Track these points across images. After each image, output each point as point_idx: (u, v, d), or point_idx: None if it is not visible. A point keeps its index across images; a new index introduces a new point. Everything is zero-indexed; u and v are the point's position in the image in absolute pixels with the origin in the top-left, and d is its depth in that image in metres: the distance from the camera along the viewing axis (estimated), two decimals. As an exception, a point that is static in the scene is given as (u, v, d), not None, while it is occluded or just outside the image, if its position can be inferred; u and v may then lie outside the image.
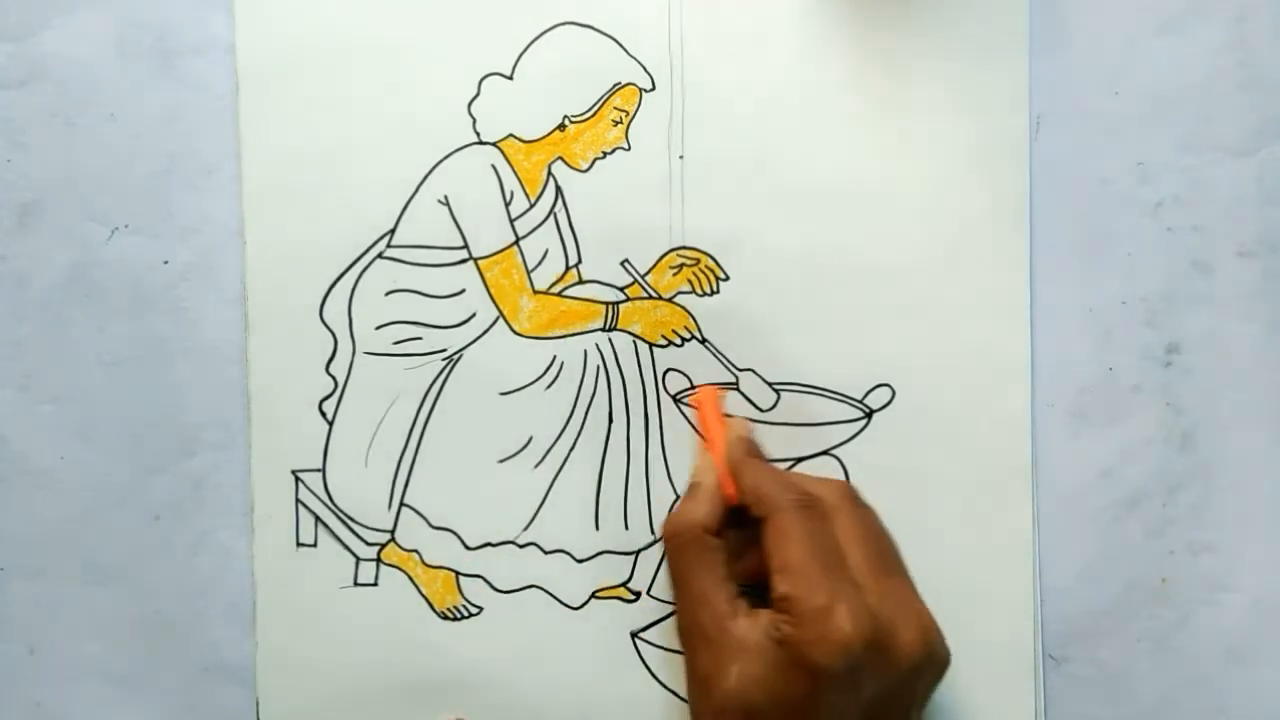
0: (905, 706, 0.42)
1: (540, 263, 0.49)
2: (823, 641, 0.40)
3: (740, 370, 0.49)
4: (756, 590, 0.43)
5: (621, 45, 0.48)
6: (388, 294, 0.49)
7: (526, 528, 0.49)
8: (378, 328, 0.49)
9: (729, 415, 0.48)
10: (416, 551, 0.49)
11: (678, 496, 0.49)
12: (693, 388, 0.48)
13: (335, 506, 0.49)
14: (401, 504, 0.49)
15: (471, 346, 0.49)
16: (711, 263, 0.48)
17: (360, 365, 0.49)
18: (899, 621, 0.41)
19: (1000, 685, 0.48)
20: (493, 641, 0.49)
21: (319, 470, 0.49)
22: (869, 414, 0.48)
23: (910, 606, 0.42)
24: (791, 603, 0.41)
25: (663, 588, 0.49)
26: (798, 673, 0.40)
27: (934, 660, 0.42)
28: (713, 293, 0.49)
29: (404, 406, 0.49)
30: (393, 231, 0.49)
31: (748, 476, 0.45)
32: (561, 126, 0.49)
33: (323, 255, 0.49)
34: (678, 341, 0.49)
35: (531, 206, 0.49)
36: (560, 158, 0.49)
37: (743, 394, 0.48)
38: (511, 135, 0.49)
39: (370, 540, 0.49)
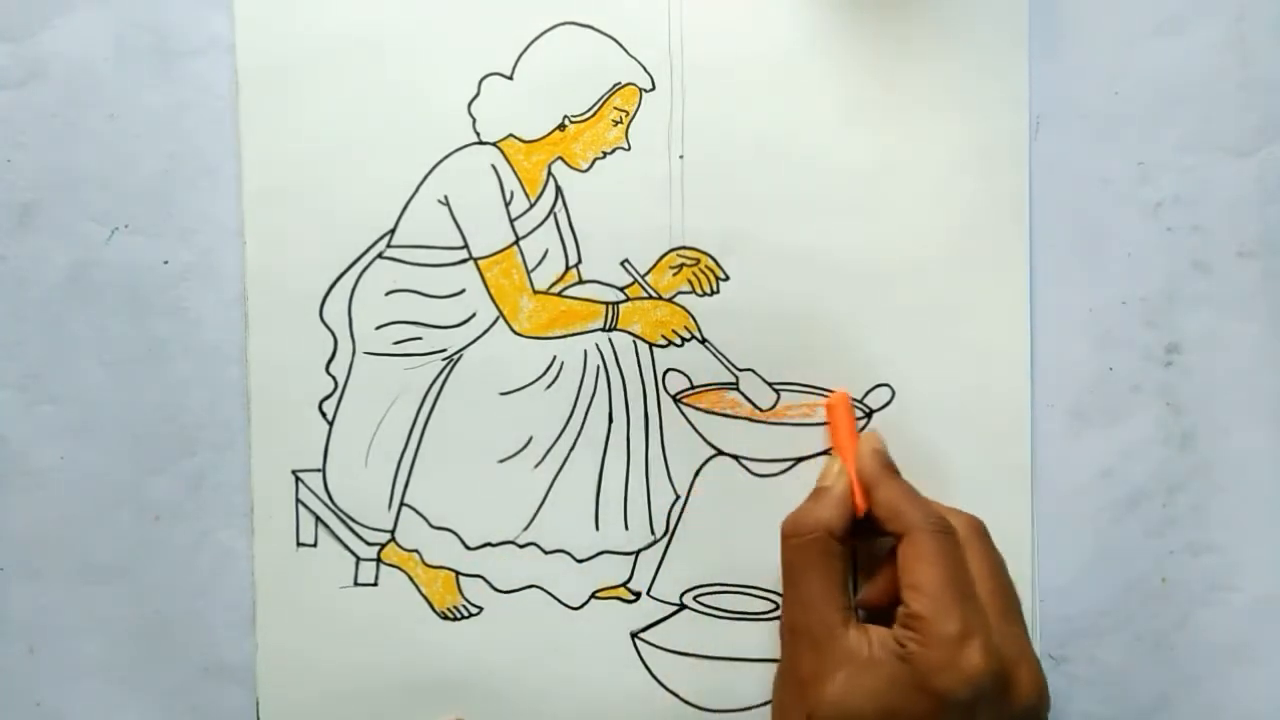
0: None
1: (540, 263, 0.49)
2: (952, 669, 0.40)
3: (740, 370, 0.49)
4: (869, 611, 0.44)
5: (621, 45, 0.48)
6: (388, 294, 0.49)
7: (526, 528, 0.49)
8: (378, 328, 0.49)
9: (723, 416, 0.48)
10: (416, 551, 0.49)
11: (678, 496, 0.49)
12: (693, 388, 0.48)
13: (335, 506, 0.49)
14: (401, 504, 0.49)
15: (471, 346, 0.49)
16: (711, 263, 0.48)
17: (360, 365, 0.49)
18: (1021, 665, 0.42)
19: (1000, 685, 0.48)
20: (493, 641, 0.49)
21: (319, 470, 0.49)
22: (869, 414, 0.48)
23: (1029, 652, 0.43)
24: (924, 623, 0.41)
25: (662, 588, 0.49)
26: (918, 694, 0.40)
27: (1043, 709, 0.42)
28: (713, 293, 0.49)
29: (404, 406, 0.49)
30: (393, 231, 0.49)
31: (885, 490, 0.45)
32: (561, 126, 0.49)
33: (323, 255, 0.49)
34: (678, 341, 0.49)
35: (531, 206, 0.49)
36: (560, 158, 0.49)
37: (743, 394, 0.48)
38: (511, 135, 0.49)
39: (370, 540, 0.49)
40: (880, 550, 0.46)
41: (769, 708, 0.47)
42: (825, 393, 0.48)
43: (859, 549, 0.47)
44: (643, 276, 0.49)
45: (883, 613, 0.44)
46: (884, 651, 0.41)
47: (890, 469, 0.46)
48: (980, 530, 0.45)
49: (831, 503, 0.45)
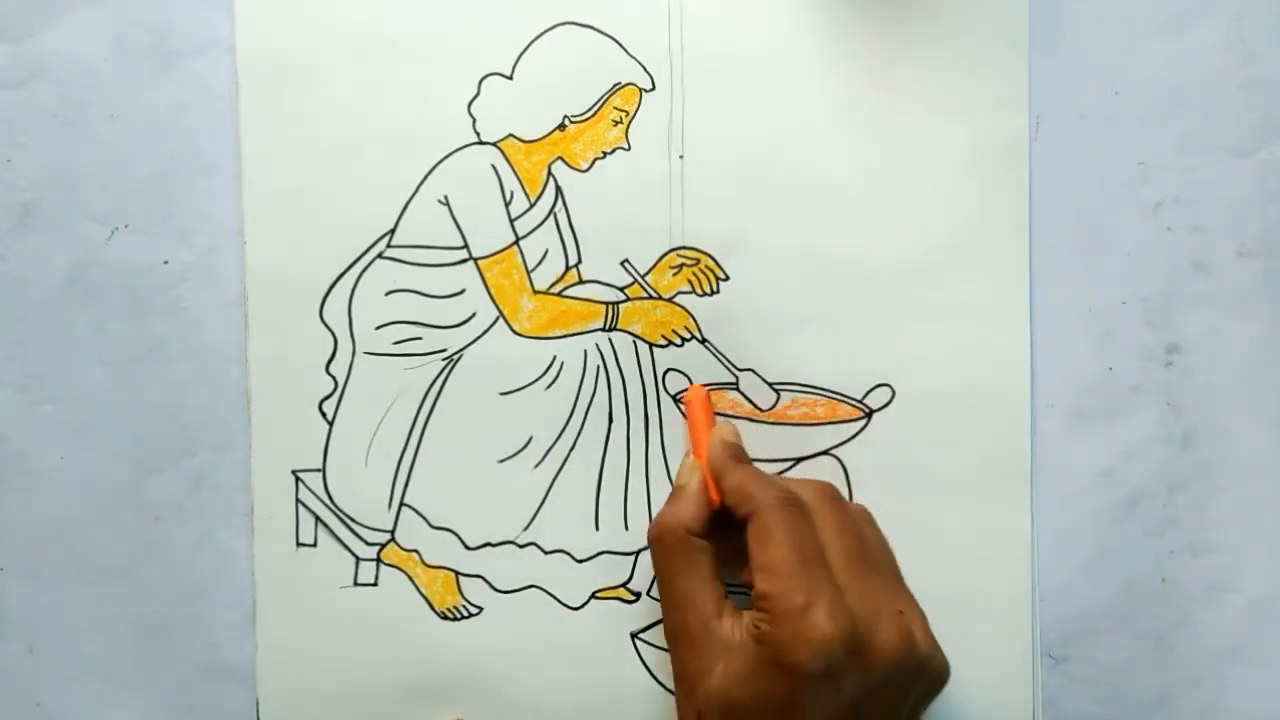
0: (894, 712, 0.42)
1: (540, 263, 0.49)
2: (800, 641, 0.40)
3: (740, 370, 0.49)
4: (746, 593, 0.43)
5: (621, 45, 0.48)
6: (388, 294, 0.49)
7: (526, 528, 0.49)
8: (378, 328, 0.49)
9: (721, 416, 0.48)
10: (416, 551, 0.49)
11: (677, 496, 0.49)
12: (687, 387, 0.49)
13: (335, 506, 0.49)
14: (401, 504, 0.49)
15: (471, 346, 0.49)
16: (711, 263, 0.48)
17: (360, 365, 0.49)
18: (879, 621, 0.41)
19: (999, 685, 0.48)
20: (493, 641, 0.49)
21: (319, 470, 0.49)
22: (869, 414, 0.48)
23: (891, 606, 0.42)
24: (771, 601, 0.41)
25: (663, 588, 0.49)
26: (777, 672, 0.40)
27: (915, 659, 0.41)
28: (713, 293, 0.49)
29: (404, 406, 0.49)
30: (393, 231, 0.49)
31: (730, 477, 0.45)
32: (561, 126, 0.49)
33: (323, 255, 0.49)
34: (678, 341, 0.49)
35: (531, 206, 0.49)
36: (560, 158, 0.49)
37: (743, 394, 0.48)
38: (511, 135, 0.49)
39: (370, 540, 0.49)
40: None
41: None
42: (826, 393, 0.48)
43: (729, 541, 0.45)
44: (643, 276, 0.49)
45: None
46: (745, 636, 0.41)
47: (738, 456, 0.46)
48: (831, 495, 0.45)
49: (688, 500, 0.45)
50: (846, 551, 0.43)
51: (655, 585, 0.49)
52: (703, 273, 0.48)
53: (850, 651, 0.40)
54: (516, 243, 0.49)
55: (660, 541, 0.45)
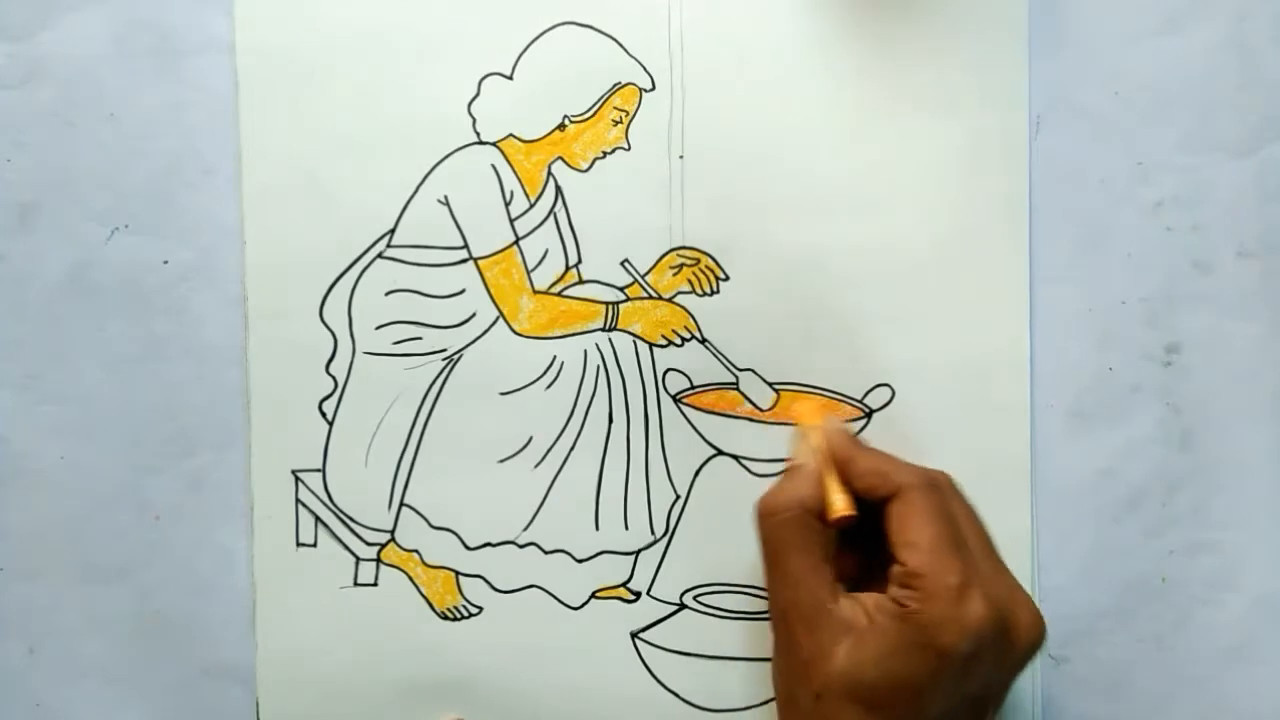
0: (1003, 692, 0.42)
1: (540, 263, 0.49)
2: (955, 622, 0.39)
3: (740, 370, 0.49)
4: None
5: (621, 45, 0.48)
6: (388, 294, 0.49)
7: (526, 528, 0.49)
8: (378, 328, 0.49)
9: (722, 416, 0.48)
10: (416, 551, 0.49)
11: (678, 496, 0.49)
12: (693, 388, 0.48)
13: (335, 506, 0.49)
14: (401, 504, 0.49)
15: (471, 346, 0.49)
16: (711, 263, 0.48)
17: (360, 365, 0.49)
18: (1017, 606, 0.41)
19: (1000, 685, 0.48)
20: (493, 641, 0.49)
21: (319, 470, 0.49)
22: (869, 414, 0.48)
23: (1020, 592, 0.42)
24: (923, 580, 0.40)
25: (662, 588, 0.49)
26: (920, 653, 0.39)
27: (1043, 644, 0.42)
28: (713, 293, 0.49)
29: (404, 406, 0.49)
30: (393, 231, 0.49)
31: (865, 458, 0.44)
32: (561, 126, 0.49)
33: (323, 255, 0.49)
34: (678, 341, 0.49)
35: (531, 206, 0.49)
36: (560, 158, 0.49)
37: (743, 394, 0.48)
38: (511, 135, 0.49)
39: (370, 540, 0.49)
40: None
41: (769, 706, 0.47)
42: (826, 393, 0.48)
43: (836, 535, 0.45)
44: (643, 276, 0.49)
45: (856, 584, 0.44)
46: (883, 616, 0.41)
47: (861, 444, 0.46)
48: (954, 483, 0.44)
49: (805, 480, 0.44)
50: (979, 538, 0.43)
51: (654, 584, 0.49)
52: (703, 273, 0.48)
53: (998, 635, 0.40)
54: (516, 243, 0.49)
55: (775, 516, 0.43)
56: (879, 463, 0.44)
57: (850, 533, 0.44)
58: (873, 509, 0.43)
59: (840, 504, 0.43)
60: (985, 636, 0.39)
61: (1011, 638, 0.40)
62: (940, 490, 0.43)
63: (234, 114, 0.49)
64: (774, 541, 0.43)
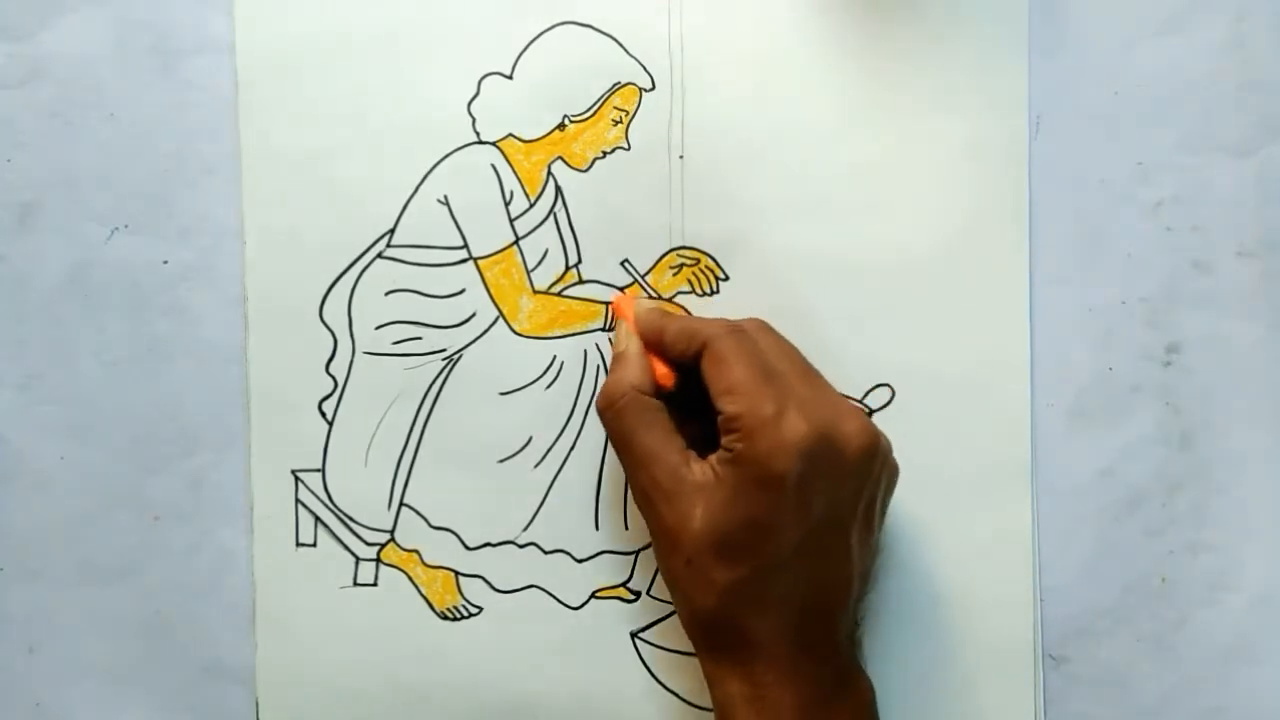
0: (859, 506, 0.42)
1: (540, 263, 0.49)
2: (778, 448, 0.40)
3: (740, 370, 0.48)
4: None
5: (621, 45, 0.48)
6: (388, 294, 0.49)
7: (526, 528, 0.49)
8: (378, 328, 0.49)
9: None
10: (416, 551, 0.49)
11: (677, 496, 0.49)
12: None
13: (335, 506, 0.49)
14: (401, 504, 0.49)
15: (471, 346, 0.49)
16: (711, 263, 0.48)
17: (360, 365, 0.49)
18: (842, 417, 0.42)
19: (1000, 685, 0.48)
20: (493, 641, 0.49)
21: (319, 470, 0.49)
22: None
23: (845, 405, 0.43)
24: (741, 419, 0.41)
25: (663, 588, 0.49)
26: (759, 489, 0.41)
27: (880, 448, 0.43)
28: (713, 293, 0.49)
29: (404, 406, 0.49)
30: (393, 231, 0.49)
31: (672, 324, 0.45)
32: (561, 126, 0.49)
33: (323, 255, 0.49)
34: (678, 341, 0.49)
35: (531, 206, 0.49)
36: (560, 157, 0.49)
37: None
38: (511, 135, 0.49)
39: (370, 540, 0.49)
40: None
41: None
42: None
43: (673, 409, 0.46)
44: (643, 276, 0.49)
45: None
46: (722, 466, 0.42)
47: (669, 312, 0.47)
48: (766, 325, 0.46)
49: (631, 364, 0.45)
50: (795, 365, 0.44)
51: (654, 583, 0.49)
52: (703, 273, 0.48)
53: (825, 447, 0.41)
54: (516, 242, 0.49)
55: (613, 406, 0.44)
56: (684, 324, 0.45)
57: (700, 404, 0.44)
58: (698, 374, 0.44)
59: (660, 372, 0.45)
60: (812, 453, 0.40)
61: (839, 449, 0.41)
62: (744, 333, 0.44)
63: (234, 114, 0.49)
64: (618, 429, 0.44)
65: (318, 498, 0.49)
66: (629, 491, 0.49)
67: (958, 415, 0.48)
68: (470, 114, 0.49)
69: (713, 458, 0.42)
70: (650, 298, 0.49)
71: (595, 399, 0.46)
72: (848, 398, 0.48)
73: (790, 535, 0.41)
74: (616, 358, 0.46)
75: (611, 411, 0.45)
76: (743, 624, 0.42)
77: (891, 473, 0.44)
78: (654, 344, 0.46)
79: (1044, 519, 0.48)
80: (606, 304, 0.49)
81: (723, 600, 0.42)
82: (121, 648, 0.49)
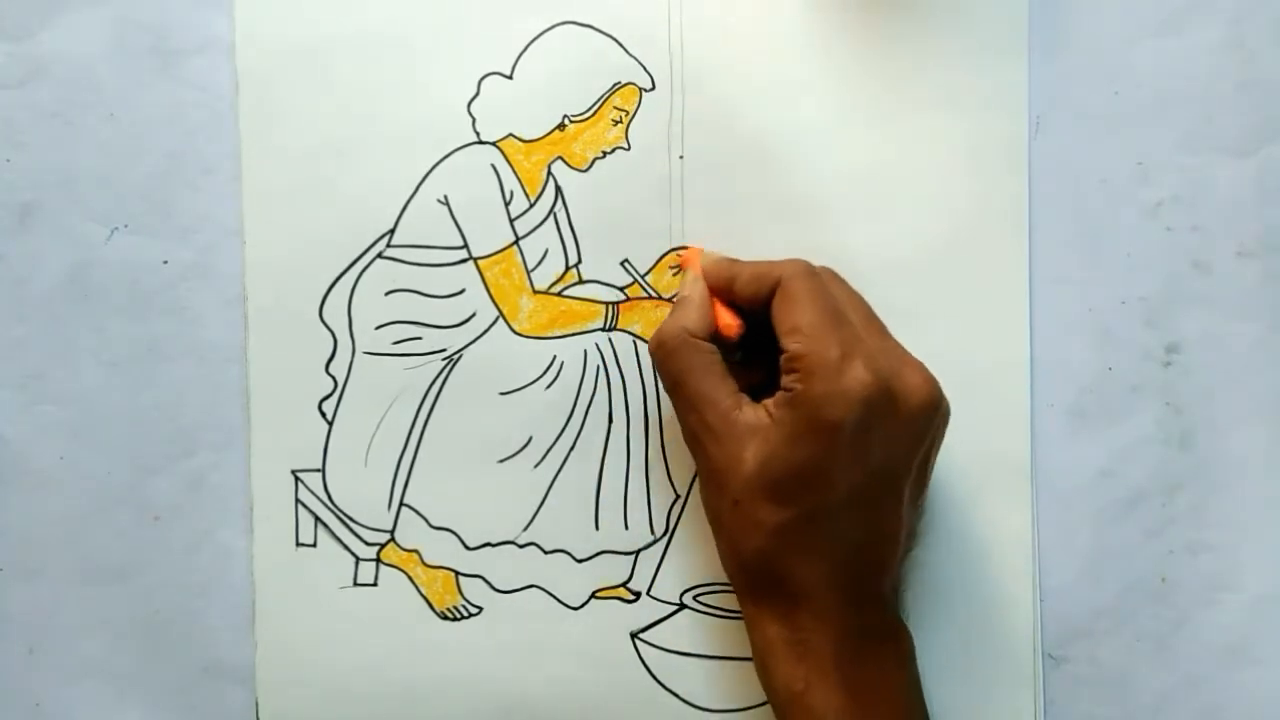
0: (914, 460, 0.42)
1: (540, 262, 0.49)
2: (839, 394, 0.40)
3: (740, 370, 0.48)
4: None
5: (621, 45, 0.48)
6: (388, 294, 0.49)
7: (526, 528, 0.49)
8: (378, 328, 0.49)
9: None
10: (416, 551, 0.49)
11: (678, 496, 0.49)
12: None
13: (335, 506, 0.49)
14: (401, 504, 0.49)
15: (471, 346, 0.49)
16: (711, 263, 0.48)
17: (360, 365, 0.49)
18: (904, 369, 0.42)
19: (1000, 685, 0.48)
20: (493, 641, 0.49)
21: (319, 470, 0.49)
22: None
23: (909, 358, 0.43)
24: (804, 360, 0.41)
25: (662, 588, 0.49)
26: (812, 431, 0.40)
27: (940, 405, 0.42)
28: (713, 293, 0.48)
29: (404, 406, 0.49)
30: (393, 231, 0.49)
31: (745, 268, 0.45)
32: (561, 126, 0.49)
33: (323, 255, 0.49)
34: (678, 341, 0.49)
35: (531, 206, 0.49)
36: (560, 157, 0.49)
37: (743, 394, 0.48)
38: (511, 135, 0.49)
39: (370, 540, 0.49)
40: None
41: (769, 706, 0.47)
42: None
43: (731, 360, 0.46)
44: (643, 276, 0.49)
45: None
46: (778, 408, 0.41)
47: (739, 261, 0.46)
48: (838, 275, 0.46)
49: (690, 308, 0.45)
50: (861, 315, 0.44)
51: (654, 584, 0.49)
52: (703, 273, 0.48)
53: (884, 399, 0.40)
54: (516, 242, 0.49)
55: (665, 347, 0.44)
56: (758, 266, 0.45)
57: (763, 357, 0.44)
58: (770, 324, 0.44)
59: (724, 322, 0.45)
60: (872, 402, 0.40)
61: (900, 402, 0.41)
62: (817, 275, 0.44)
63: (234, 114, 0.49)
64: (670, 370, 0.44)
65: (318, 498, 0.49)
66: (629, 491, 0.49)
67: (958, 415, 0.48)
68: (470, 114, 0.49)
69: (769, 401, 0.42)
70: (650, 297, 0.49)
71: (649, 341, 0.46)
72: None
73: (843, 483, 0.41)
74: (677, 303, 0.46)
75: (662, 352, 0.44)
76: (788, 568, 0.42)
77: (944, 422, 0.43)
78: (723, 290, 0.45)
79: (1044, 519, 0.48)
80: (606, 304, 0.49)
81: (770, 541, 0.41)
82: (121, 648, 0.49)
